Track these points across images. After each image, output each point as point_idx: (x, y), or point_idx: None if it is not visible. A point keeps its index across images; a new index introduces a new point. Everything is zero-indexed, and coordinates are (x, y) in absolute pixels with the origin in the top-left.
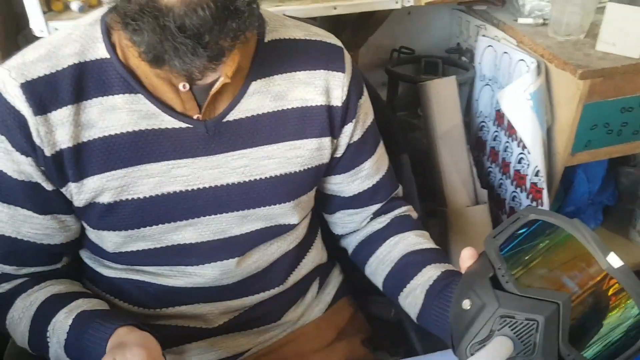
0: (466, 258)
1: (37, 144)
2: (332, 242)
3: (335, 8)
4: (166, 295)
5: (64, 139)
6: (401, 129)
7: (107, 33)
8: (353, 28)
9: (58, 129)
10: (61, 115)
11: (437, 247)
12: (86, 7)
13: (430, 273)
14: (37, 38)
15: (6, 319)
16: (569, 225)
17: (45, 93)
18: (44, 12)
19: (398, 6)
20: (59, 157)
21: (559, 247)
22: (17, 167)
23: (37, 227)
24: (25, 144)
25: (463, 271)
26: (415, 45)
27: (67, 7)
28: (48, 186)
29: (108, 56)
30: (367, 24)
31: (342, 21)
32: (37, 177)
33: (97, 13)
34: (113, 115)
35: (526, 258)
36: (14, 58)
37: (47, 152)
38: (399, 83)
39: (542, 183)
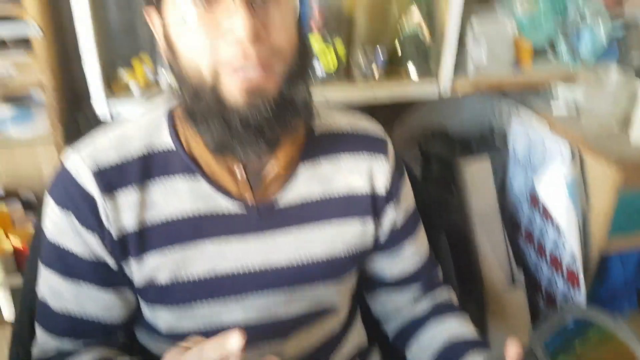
0: (512, 355)
1: (105, 225)
2: (372, 323)
3: (375, 97)
4: None
5: (129, 221)
6: (436, 206)
7: (172, 122)
8: (390, 109)
9: (125, 212)
10: (128, 199)
11: (478, 336)
12: (146, 91)
13: None
14: (94, 116)
15: None
16: (613, 325)
17: (115, 179)
18: (106, 94)
19: (435, 94)
20: (124, 238)
21: (603, 346)
22: (85, 245)
23: (100, 304)
24: (93, 224)
25: None
26: (449, 125)
27: (127, 90)
28: (112, 263)
29: (173, 146)
30: (404, 107)
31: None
32: (103, 254)
33: (163, 103)
34: (175, 197)
35: (571, 356)
36: (85, 143)
37: (114, 233)
38: (433, 161)
39: (578, 269)
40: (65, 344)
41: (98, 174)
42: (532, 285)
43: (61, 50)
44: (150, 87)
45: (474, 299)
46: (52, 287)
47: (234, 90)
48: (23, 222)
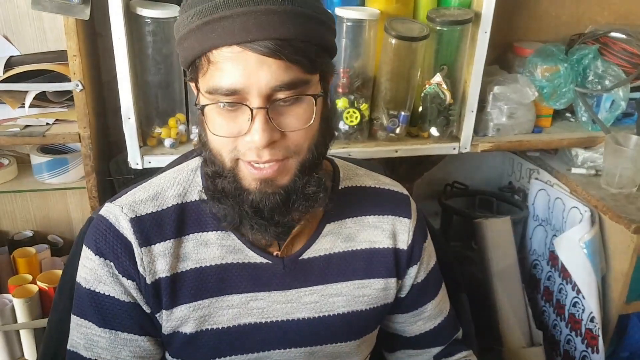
0: None
1: (140, 271)
2: None
3: (396, 151)
4: None
5: (163, 269)
6: (457, 262)
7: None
8: (410, 164)
9: (159, 260)
10: (162, 248)
11: None
12: (177, 144)
13: None
14: (126, 164)
15: None
16: None
17: (151, 228)
18: (140, 147)
19: (455, 152)
20: (157, 285)
21: None
22: (123, 290)
23: (134, 351)
24: (131, 269)
25: None
26: (468, 181)
27: (160, 143)
28: (147, 309)
29: (205, 198)
30: (424, 161)
31: (400, 158)
32: (139, 299)
33: (198, 161)
34: (206, 249)
35: None
36: (125, 196)
37: (148, 280)
38: (452, 216)
39: (598, 330)
40: None
41: (136, 224)
42: (551, 344)
43: (98, 103)
44: (183, 143)
45: (493, 355)
46: (86, 336)
47: (248, 178)
48: (51, 266)
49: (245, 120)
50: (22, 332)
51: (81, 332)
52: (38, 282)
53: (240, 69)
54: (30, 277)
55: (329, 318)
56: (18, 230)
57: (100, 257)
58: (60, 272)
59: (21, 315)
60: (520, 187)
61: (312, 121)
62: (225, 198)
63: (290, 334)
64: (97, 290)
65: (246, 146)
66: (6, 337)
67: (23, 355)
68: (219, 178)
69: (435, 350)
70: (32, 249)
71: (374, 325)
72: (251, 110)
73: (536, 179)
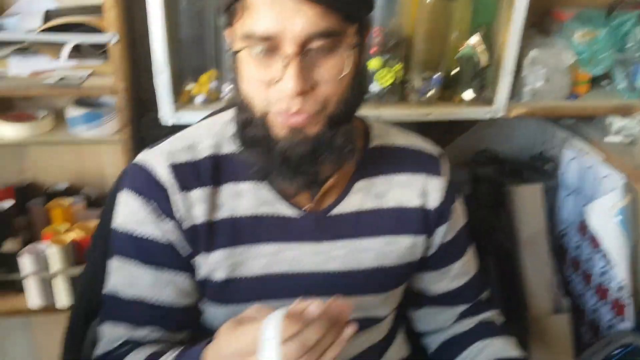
0: None
1: (177, 216)
2: (413, 339)
3: (428, 114)
4: None
5: (199, 215)
6: (484, 229)
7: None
8: (441, 130)
9: (196, 206)
10: (199, 195)
11: (523, 356)
12: (208, 101)
13: None
14: (156, 121)
15: None
16: None
17: (188, 175)
18: (172, 104)
19: (488, 117)
20: (194, 230)
21: None
22: (162, 231)
23: (175, 290)
24: (169, 213)
25: None
26: (499, 149)
27: (191, 100)
28: (184, 253)
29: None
30: (456, 127)
31: (432, 123)
32: (177, 242)
33: (232, 113)
34: (239, 199)
35: None
36: (161, 145)
37: (186, 225)
38: (481, 183)
39: (626, 299)
40: (134, 333)
41: (174, 170)
42: (577, 313)
43: (132, 59)
44: (214, 100)
45: (517, 324)
46: (126, 277)
47: (278, 126)
48: (84, 217)
49: (279, 68)
50: (57, 279)
51: (121, 274)
52: (72, 232)
53: (275, 14)
54: (64, 227)
55: (357, 272)
56: (53, 183)
57: (140, 201)
58: (93, 223)
59: (55, 263)
60: (552, 156)
61: (345, 73)
62: (255, 146)
63: (318, 285)
64: (137, 232)
65: (277, 95)
66: (41, 284)
67: (57, 302)
68: (250, 126)
69: (461, 308)
70: (67, 200)
71: (401, 281)
72: (285, 57)
73: (569, 147)
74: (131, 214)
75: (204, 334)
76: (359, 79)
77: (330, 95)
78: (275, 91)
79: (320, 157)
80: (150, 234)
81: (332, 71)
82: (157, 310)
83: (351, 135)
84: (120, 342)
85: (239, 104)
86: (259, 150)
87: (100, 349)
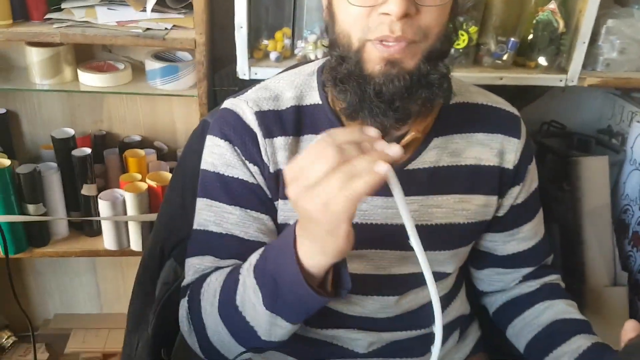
0: (629, 330)
1: (264, 159)
2: (473, 297)
3: (501, 78)
4: (329, 318)
5: (282, 161)
6: (548, 198)
7: (322, 83)
8: (510, 97)
9: (279, 152)
10: (283, 142)
11: (586, 319)
12: (281, 58)
13: (579, 342)
14: (230, 77)
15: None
16: None
17: (273, 123)
18: (249, 58)
19: (562, 84)
20: (277, 175)
21: None
22: (250, 173)
23: (261, 228)
24: (256, 156)
25: (623, 343)
26: (565, 121)
27: (266, 56)
28: (268, 195)
29: (320, 102)
30: (525, 95)
31: (499, 89)
32: (262, 184)
33: (315, 65)
34: None
35: None
36: (247, 93)
37: (271, 169)
38: (547, 155)
39: None
40: (220, 263)
41: (260, 117)
42: (633, 288)
43: (210, 15)
44: (287, 57)
45: (574, 294)
46: (216, 214)
47: (374, 59)
48: (156, 168)
49: None
50: (131, 225)
51: (211, 211)
52: (147, 180)
53: None
54: (139, 175)
55: (426, 227)
56: (127, 134)
57: (229, 143)
58: (166, 173)
59: (131, 209)
60: (619, 130)
61: (445, 5)
62: (348, 81)
63: (387, 237)
64: (226, 173)
65: (379, 20)
66: (116, 228)
67: (130, 246)
68: (344, 62)
69: (525, 270)
70: (141, 151)
71: (469, 240)
72: None
73: (638, 122)
74: (219, 156)
75: None
76: (455, 18)
77: (431, 26)
78: (376, 18)
79: (415, 94)
80: (239, 175)
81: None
82: (243, 244)
83: (447, 73)
84: (207, 271)
85: (334, 40)
86: (352, 85)
87: (188, 279)
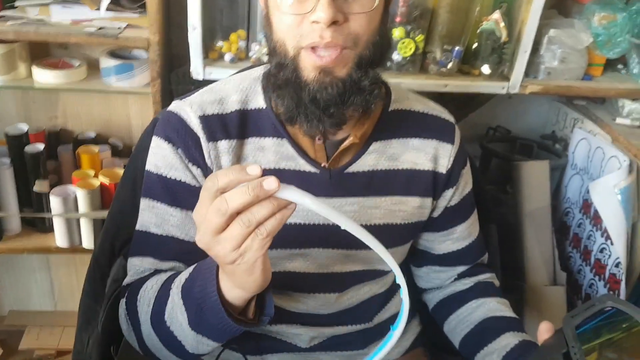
0: (543, 331)
1: (208, 164)
2: (414, 295)
3: (446, 86)
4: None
5: (226, 165)
6: (490, 200)
7: (266, 88)
8: (456, 104)
9: (223, 156)
10: (227, 146)
11: (516, 316)
12: (236, 59)
13: (508, 340)
14: (186, 76)
15: (138, 295)
16: None
17: (216, 126)
18: (203, 59)
19: (504, 92)
20: None
21: (632, 336)
22: (192, 175)
23: None
24: (199, 160)
25: (539, 343)
26: (511, 126)
27: (220, 57)
28: None
29: (265, 107)
30: (471, 102)
31: (447, 96)
32: None
33: (260, 70)
34: (262, 153)
35: (599, 341)
36: (193, 96)
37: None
38: (491, 159)
39: (622, 275)
40: (160, 265)
41: (203, 121)
42: (573, 287)
43: (165, 14)
44: (241, 59)
45: (515, 292)
46: (157, 215)
47: (308, 66)
48: (110, 165)
49: (312, 3)
50: (82, 222)
51: (152, 212)
52: (100, 177)
53: None
54: (92, 172)
55: (365, 228)
56: (82, 131)
57: (172, 146)
58: (120, 170)
59: (83, 206)
60: (562, 136)
61: (375, 6)
62: (285, 87)
63: (330, 236)
64: (168, 176)
65: (310, 28)
66: (67, 225)
67: (81, 243)
68: (282, 69)
69: (460, 268)
70: (95, 148)
71: (406, 239)
72: None
73: (579, 128)
74: (163, 158)
75: None
76: (385, 28)
77: (361, 33)
78: (307, 24)
79: (348, 100)
80: (181, 177)
81: (363, 5)
82: (184, 246)
83: (378, 81)
84: (146, 273)
85: (272, 50)
86: (289, 91)
87: (128, 279)
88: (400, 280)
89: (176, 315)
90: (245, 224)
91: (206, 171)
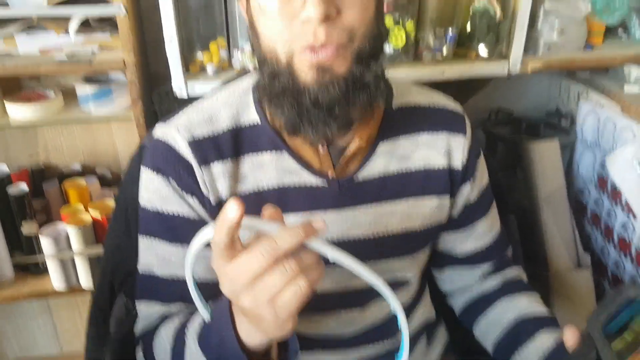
0: (569, 337)
1: (203, 190)
2: (439, 300)
3: (443, 73)
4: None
5: (223, 190)
6: (502, 187)
7: (259, 100)
8: (455, 89)
9: (219, 180)
10: (220, 168)
11: (549, 311)
12: (219, 70)
13: (543, 340)
14: (167, 94)
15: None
16: None
17: (208, 149)
18: (184, 74)
19: (504, 72)
20: (221, 206)
21: None
22: (188, 206)
23: (207, 265)
24: (194, 188)
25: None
26: (513, 107)
27: (202, 70)
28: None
29: (259, 121)
30: (470, 86)
31: (443, 84)
32: (204, 215)
33: (250, 81)
34: (262, 170)
35: (629, 339)
36: (179, 117)
37: (212, 201)
38: (497, 143)
39: None
40: (169, 308)
41: (193, 145)
42: (598, 268)
43: (140, 32)
44: (225, 69)
45: (539, 280)
46: (158, 255)
47: (305, 68)
48: (100, 197)
49: (300, 0)
50: (78, 260)
51: (153, 253)
52: (90, 211)
53: None
54: (82, 206)
55: (383, 237)
56: (66, 164)
57: (163, 177)
58: (111, 201)
59: (76, 244)
60: (567, 111)
61: (369, 4)
62: (283, 96)
63: (344, 250)
64: (163, 210)
65: (302, 27)
66: (62, 266)
67: (79, 282)
68: (276, 78)
69: (485, 267)
70: (83, 180)
71: (427, 243)
72: None
73: (585, 100)
74: (155, 191)
75: None
76: (380, 16)
77: (356, 25)
78: (298, 25)
79: (353, 98)
80: (177, 210)
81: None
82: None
83: (381, 74)
84: (156, 320)
85: (262, 60)
86: (288, 100)
87: (140, 326)
88: (398, 310)
89: None
90: (288, 272)
91: (202, 199)
